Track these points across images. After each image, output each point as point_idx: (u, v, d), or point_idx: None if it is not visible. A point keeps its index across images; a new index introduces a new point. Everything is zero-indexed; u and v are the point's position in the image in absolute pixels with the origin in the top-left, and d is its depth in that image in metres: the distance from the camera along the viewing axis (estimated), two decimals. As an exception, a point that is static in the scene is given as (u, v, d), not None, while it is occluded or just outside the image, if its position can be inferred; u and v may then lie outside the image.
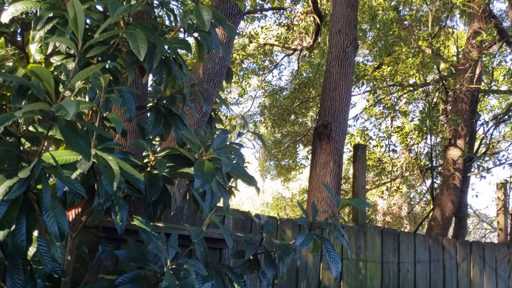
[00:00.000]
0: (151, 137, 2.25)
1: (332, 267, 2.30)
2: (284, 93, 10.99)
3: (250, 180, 2.26)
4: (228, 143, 2.35)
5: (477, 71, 5.93)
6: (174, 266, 2.00)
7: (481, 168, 5.29)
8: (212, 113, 5.97)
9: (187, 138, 2.14)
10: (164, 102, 2.40)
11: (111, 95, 1.72)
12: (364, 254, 4.15)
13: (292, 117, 11.07)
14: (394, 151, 8.73)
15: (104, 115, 1.86)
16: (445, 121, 6.11)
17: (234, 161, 2.34)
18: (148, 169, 2.25)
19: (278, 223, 3.70)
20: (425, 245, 4.70)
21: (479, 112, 7.04)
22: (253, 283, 3.45)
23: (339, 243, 4.00)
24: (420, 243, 4.66)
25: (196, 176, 1.94)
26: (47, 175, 1.57)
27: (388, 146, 8.49)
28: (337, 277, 2.27)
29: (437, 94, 7.34)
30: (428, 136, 6.89)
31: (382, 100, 9.13)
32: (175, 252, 2.07)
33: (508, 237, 5.56)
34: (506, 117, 8.30)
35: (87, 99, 1.90)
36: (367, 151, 9.70)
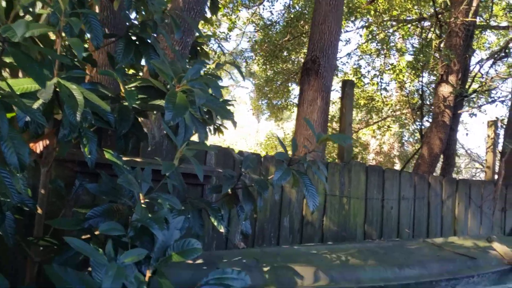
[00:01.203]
0: (121, 66, 2.17)
1: (309, 201, 2.31)
2: (276, 28, 10.67)
3: (226, 114, 2.21)
4: (204, 75, 2.28)
5: (474, 4, 5.74)
6: (147, 200, 1.99)
7: (472, 105, 5.24)
8: (198, 48, 5.81)
9: (158, 68, 2.06)
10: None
11: (70, 19, 1.62)
12: (348, 191, 4.21)
13: (285, 53, 10.84)
14: (385, 89, 8.65)
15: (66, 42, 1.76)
16: (439, 57, 6.00)
17: (212, 94, 2.28)
18: (121, 101, 2.19)
19: (262, 160, 3.70)
20: (410, 182, 4.77)
21: (475, 49, 6.90)
22: (236, 218, 3.51)
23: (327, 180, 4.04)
24: (406, 180, 4.72)
25: (167, 108, 1.88)
26: (6, 104, 1.51)
27: (380, 83, 8.39)
28: (313, 211, 2.29)
29: (432, 29, 7.15)
30: (421, 73, 6.78)
31: (377, 37, 8.92)
32: (148, 186, 2.05)
33: (495, 175, 5.65)
34: (503, 54, 8.17)
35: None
36: (359, 90, 9.62)
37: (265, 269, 2.49)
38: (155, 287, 1.77)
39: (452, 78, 5.85)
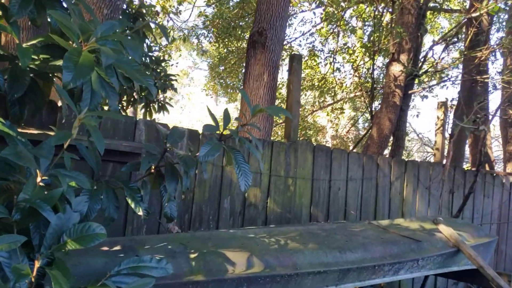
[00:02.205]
0: (17, 19, 1.84)
1: (241, 180, 2.08)
2: (229, 3, 10.31)
3: (143, 79, 1.92)
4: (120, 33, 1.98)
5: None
6: (45, 178, 1.70)
7: (422, 85, 5.17)
8: (141, 19, 5.41)
9: (61, 23, 1.74)
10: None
11: None
12: (294, 171, 4.03)
13: (239, 31, 10.52)
14: (338, 69, 8.53)
15: None
16: (390, 35, 5.89)
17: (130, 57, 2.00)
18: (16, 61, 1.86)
19: (200, 137, 3.44)
20: (358, 163, 4.65)
21: (427, 28, 6.86)
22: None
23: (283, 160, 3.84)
24: (354, 160, 4.60)
25: (66, 68, 1.60)
26: None
27: (332, 64, 8.27)
28: (245, 191, 2.07)
29: (385, 8, 7.05)
30: (373, 53, 6.68)
31: (333, 16, 8.75)
32: (48, 162, 1.75)
33: (444, 157, 5.65)
34: (455, 39, 8.23)
35: None
36: (314, 71, 9.48)
37: (193, 255, 2.26)
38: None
39: (403, 57, 5.77)
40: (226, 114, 2.23)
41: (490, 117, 8.06)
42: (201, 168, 3.19)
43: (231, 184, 3.59)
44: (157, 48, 8.70)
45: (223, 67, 11.29)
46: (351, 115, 13.03)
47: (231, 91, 11.87)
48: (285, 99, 10.14)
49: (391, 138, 6.38)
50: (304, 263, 2.51)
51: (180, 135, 2.29)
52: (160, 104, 6.09)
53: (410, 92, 5.90)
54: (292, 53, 8.13)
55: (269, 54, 4.38)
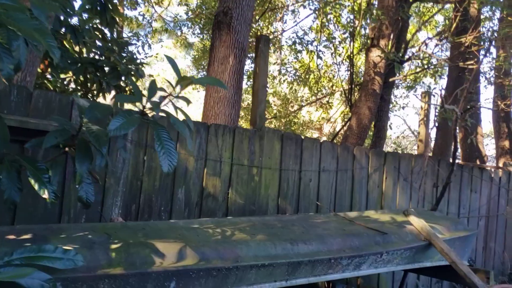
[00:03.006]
0: None
1: (163, 160, 1.84)
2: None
3: (43, 40, 1.67)
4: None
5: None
6: None
7: (402, 72, 4.91)
8: (109, 4, 5.15)
9: None
10: None
11: None
12: (259, 160, 3.79)
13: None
14: (320, 57, 8.27)
15: None
16: (369, 19, 5.64)
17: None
18: None
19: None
20: (332, 153, 4.41)
21: (410, 14, 6.61)
22: (114, 187, 3.00)
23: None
24: (327, 151, 4.36)
25: None
26: None
27: (315, 53, 8.01)
28: (168, 173, 1.83)
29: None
30: (352, 38, 6.41)
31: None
32: None
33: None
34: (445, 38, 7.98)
35: None
36: (297, 62, 9.23)
37: (115, 246, 2.01)
38: None
39: (383, 42, 5.52)
40: (153, 85, 1.99)
41: (478, 109, 7.84)
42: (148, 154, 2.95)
43: (186, 172, 3.35)
44: (135, 38, 8.45)
45: (205, 60, 11.01)
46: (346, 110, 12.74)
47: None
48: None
49: (374, 130, 6.14)
50: (247, 255, 2.27)
51: (103, 111, 2.05)
52: (131, 93, 5.84)
53: (391, 79, 5.64)
54: (259, 34, 7.84)
55: (235, 35, 4.14)
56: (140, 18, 9.22)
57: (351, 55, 6.48)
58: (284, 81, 9.42)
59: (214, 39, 4.27)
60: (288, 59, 10.49)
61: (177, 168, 3.29)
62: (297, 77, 9.45)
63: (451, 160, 4.29)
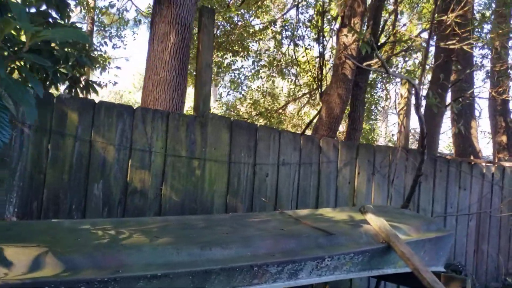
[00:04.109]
0: None
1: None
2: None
3: None
4: None
5: None
6: None
7: (379, 55, 4.44)
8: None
9: None
10: None
11: None
12: (202, 151, 3.32)
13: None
14: (296, 44, 7.78)
15: None
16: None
17: None
18: None
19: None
20: (294, 145, 3.94)
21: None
22: (8, 183, 2.54)
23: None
24: (288, 142, 3.89)
25: None
26: None
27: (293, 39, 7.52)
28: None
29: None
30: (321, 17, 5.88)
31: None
32: None
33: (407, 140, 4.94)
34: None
35: None
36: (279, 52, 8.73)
37: None
38: None
39: (355, 21, 5.04)
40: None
41: (473, 101, 7.36)
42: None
43: (104, 164, 2.88)
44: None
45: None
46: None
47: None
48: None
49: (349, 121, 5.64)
50: (136, 263, 1.81)
51: None
52: (86, 83, 5.40)
53: (366, 64, 5.15)
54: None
55: (176, 9, 3.68)
56: (113, 10, 8.76)
57: (320, 35, 5.97)
58: (260, 74, 8.96)
59: (154, 14, 3.81)
60: (273, 51, 10.02)
61: (91, 159, 2.82)
62: (276, 68, 8.97)
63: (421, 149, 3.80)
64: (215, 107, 11.58)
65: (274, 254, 2.15)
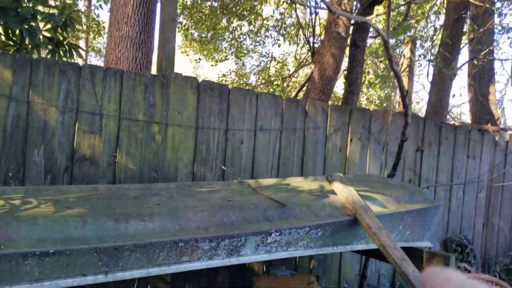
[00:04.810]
0: None
1: None
2: None
3: None
4: None
5: None
6: None
7: (377, 11, 3.99)
8: None
9: None
10: None
11: None
12: (163, 115, 3.03)
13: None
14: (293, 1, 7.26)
15: None
16: None
17: None
18: None
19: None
20: (275, 109, 3.61)
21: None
22: None
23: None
24: (267, 105, 3.56)
25: None
26: None
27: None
28: None
29: None
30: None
31: None
32: None
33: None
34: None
35: None
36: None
37: None
38: None
39: (349, -29, 4.58)
40: None
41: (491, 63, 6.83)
42: None
43: (45, 127, 2.62)
44: None
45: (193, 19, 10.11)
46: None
47: (203, 44, 10.68)
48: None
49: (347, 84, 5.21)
50: (26, 238, 1.54)
51: None
52: (69, 46, 5.14)
53: (368, 18, 4.65)
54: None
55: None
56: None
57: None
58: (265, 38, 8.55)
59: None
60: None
61: (30, 122, 2.56)
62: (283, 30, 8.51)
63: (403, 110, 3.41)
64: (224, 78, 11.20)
65: (207, 228, 1.86)
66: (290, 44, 8.53)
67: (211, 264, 1.91)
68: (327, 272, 3.90)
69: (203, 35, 10.40)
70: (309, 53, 6.57)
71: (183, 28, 10.11)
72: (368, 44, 6.66)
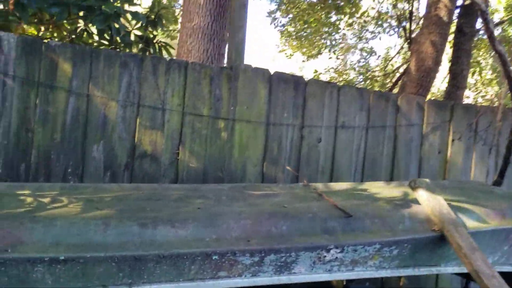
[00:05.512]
0: None
1: None
2: None
3: None
4: None
5: None
6: None
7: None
8: None
9: None
10: None
11: None
12: (229, 110, 2.81)
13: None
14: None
15: None
16: None
17: None
18: None
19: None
20: (361, 103, 3.23)
21: None
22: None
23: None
24: (350, 99, 3.19)
25: None
26: None
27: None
28: None
29: None
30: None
31: None
32: None
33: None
34: None
35: None
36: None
37: None
38: None
39: None
40: None
41: None
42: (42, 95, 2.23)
43: (105, 122, 2.53)
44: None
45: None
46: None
47: (303, 41, 10.38)
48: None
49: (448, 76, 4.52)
50: (38, 242, 1.40)
51: None
52: (159, 45, 5.23)
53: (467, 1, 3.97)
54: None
55: None
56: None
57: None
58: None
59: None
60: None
61: (88, 116, 2.49)
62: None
63: None
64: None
65: (249, 240, 1.58)
66: (390, 35, 7.92)
67: (256, 282, 1.63)
68: (419, 291, 3.41)
69: (300, 32, 10.12)
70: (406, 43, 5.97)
71: (279, 25, 9.94)
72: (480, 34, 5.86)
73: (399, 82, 5.45)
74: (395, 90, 5.99)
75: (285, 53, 12.15)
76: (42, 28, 4.96)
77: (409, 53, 8.26)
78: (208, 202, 1.84)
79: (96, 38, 4.88)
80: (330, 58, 10.33)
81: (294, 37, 10.44)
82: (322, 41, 10.46)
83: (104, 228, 1.48)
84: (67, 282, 1.41)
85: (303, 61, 11.21)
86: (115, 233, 1.48)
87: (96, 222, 1.49)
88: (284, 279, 1.67)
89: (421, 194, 1.98)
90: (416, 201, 2.02)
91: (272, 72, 2.98)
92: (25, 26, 4.57)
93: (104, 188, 1.98)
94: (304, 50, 11.27)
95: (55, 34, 4.47)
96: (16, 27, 4.33)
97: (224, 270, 1.56)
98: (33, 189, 1.80)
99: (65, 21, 4.86)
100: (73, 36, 4.72)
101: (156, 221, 1.55)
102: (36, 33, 4.13)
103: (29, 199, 1.64)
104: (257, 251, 1.55)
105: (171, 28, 8.31)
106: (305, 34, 10.22)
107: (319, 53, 10.26)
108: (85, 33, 4.87)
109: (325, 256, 1.66)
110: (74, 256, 1.37)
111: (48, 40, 2.59)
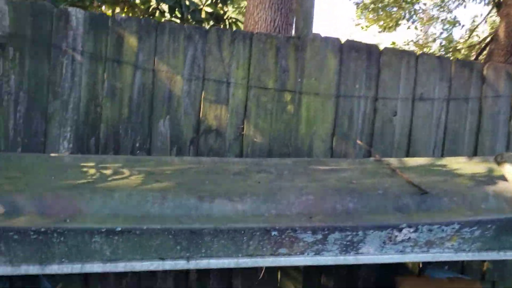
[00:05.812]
0: None
1: None
2: None
3: None
4: None
5: None
6: None
7: None
8: None
9: None
10: None
11: None
12: (296, 82, 2.69)
13: None
14: None
15: None
16: None
17: None
18: None
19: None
20: (440, 73, 2.96)
21: None
22: (61, 117, 2.38)
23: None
24: (429, 69, 2.94)
25: None
26: None
27: None
28: None
29: None
30: None
31: None
32: None
33: None
34: None
35: None
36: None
37: None
38: None
39: None
40: None
41: None
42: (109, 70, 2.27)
43: (170, 97, 2.52)
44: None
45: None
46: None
47: (381, 13, 9.91)
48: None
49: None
50: (96, 213, 1.40)
51: None
52: (229, 21, 5.23)
53: None
54: None
55: None
56: None
57: None
58: None
59: None
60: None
61: (155, 91, 2.48)
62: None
63: None
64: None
65: (311, 216, 1.48)
66: (477, 2, 7.26)
67: (319, 260, 1.53)
68: (507, 278, 3.12)
69: (377, 4, 9.66)
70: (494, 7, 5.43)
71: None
72: None
73: (485, 51, 4.99)
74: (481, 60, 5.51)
75: (361, 26, 11.70)
76: (118, 9, 5.12)
77: (497, 20, 7.58)
78: (269, 176, 1.76)
79: (167, 16, 4.95)
80: (409, 28, 9.78)
81: (370, 9, 9.98)
82: (401, 12, 9.90)
83: (161, 200, 1.45)
84: (125, 253, 1.40)
85: (379, 32, 10.71)
86: (172, 206, 1.45)
87: (154, 195, 1.47)
88: (350, 259, 1.56)
89: (509, 170, 1.76)
90: (502, 178, 1.80)
91: (342, 41, 2.80)
92: (100, 5, 4.72)
93: (165, 161, 1.97)
94: (382, 23, 10.77)
95: (130, 14, 4.58)
96: (92, 8, 4.48)
97: (284, 247, 1.48)
98: (97, 161, 1.81)
99: (138, 1, 4.97)
100: (146, 16, 4.81)
101: (213, 195, 1.49)
102: (110, 14, 4.23)
103: (91, 171, 1.66)
104: (320, 229, 1.45)
105: (242, 4, 8.24)
106: (381, 5, 9.74)
107: (397, 24, 9.75)
108: (157, 11, 4.95)
109: (396, 236, 1.52)
110: (131, 228, 1.35)
111: (115, 14, 2.60)
